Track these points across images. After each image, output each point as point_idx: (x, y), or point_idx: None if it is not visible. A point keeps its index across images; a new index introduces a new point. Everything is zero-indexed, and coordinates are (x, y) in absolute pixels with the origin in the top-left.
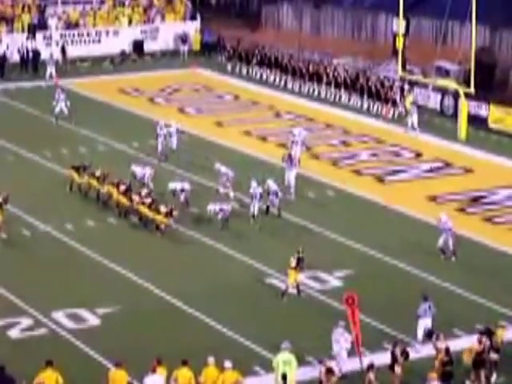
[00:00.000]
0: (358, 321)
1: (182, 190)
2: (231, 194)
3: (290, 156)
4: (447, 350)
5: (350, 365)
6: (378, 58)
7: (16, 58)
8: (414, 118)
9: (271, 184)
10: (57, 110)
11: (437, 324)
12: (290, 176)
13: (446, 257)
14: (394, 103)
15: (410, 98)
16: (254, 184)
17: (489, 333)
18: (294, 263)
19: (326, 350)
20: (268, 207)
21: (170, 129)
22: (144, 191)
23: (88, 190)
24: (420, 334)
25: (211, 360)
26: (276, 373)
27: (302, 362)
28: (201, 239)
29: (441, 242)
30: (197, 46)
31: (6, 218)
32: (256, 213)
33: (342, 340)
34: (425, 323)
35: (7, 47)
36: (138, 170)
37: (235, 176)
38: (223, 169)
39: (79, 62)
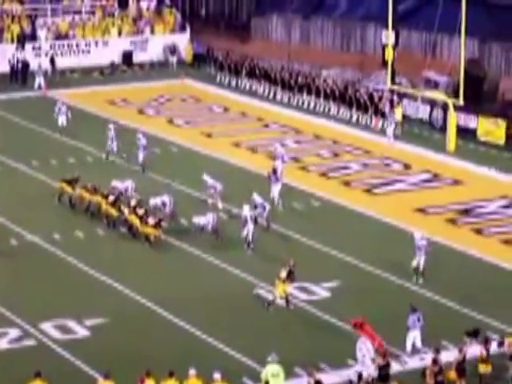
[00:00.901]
0: (374, 333)
1: (164, 204)
2: (220, 206)
3: (273, 171)
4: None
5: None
6: (367, 70)
7: (5, 68)
8: (391, 127)
9: (256, 197)
10: (59, 122)
11: (425, 336)
12: (274, 190)
13: (417, 277)
14: (383, 115)
15: (399, 110)
16: (246, 208)
17: (485, 341)
18: (284, 275)
19: (313, 362)
20: (256, 218)
21: (142, 141)
22: (133, 202)
23: (78, 202)
24: (409, 345)
25: (192, 372)
26: None
27: (290, 374)
28: (189, 250)
29: (415, 262)
30: (189, 58)
31: None
32: (250, 238)
33: (364, 348)
34: (414, 335)
35: None
36: (118, 184)
37: (224, 187)
38: (210, 181)
39: (69, 73)
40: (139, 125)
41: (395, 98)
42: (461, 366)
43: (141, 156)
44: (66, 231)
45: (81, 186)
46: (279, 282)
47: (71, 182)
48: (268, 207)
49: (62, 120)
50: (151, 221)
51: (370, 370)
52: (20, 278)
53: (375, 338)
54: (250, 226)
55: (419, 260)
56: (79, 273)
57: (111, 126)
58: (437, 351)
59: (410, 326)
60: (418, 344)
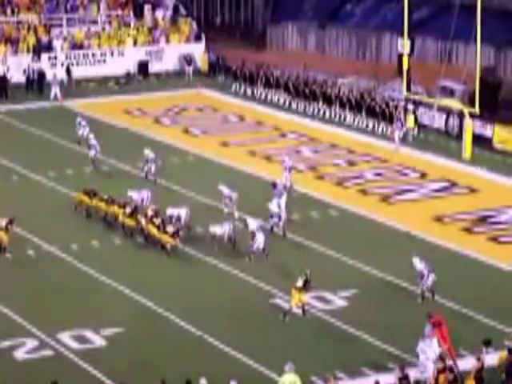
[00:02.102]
0: (448, 336)
1: (179, 218)
2: (236, 215)
3: (273, 184)
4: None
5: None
6: (382, 78)
7: (21, 79)
8: (399, 133)
9: (271, 206)
10: (79, 134)
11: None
12: (281, 202)
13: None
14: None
15: (411, 118)
16: (250, 221)
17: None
18: (300, 284)
19: (330, 370)
20: (272, 227)
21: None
22: (149, 212)
23: (95, 213)
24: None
25: (203, 382)
26: None
27: (306, 383)
28: (206, 259)
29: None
30: (204, 67)
31: (10, 239)
32: (262, 248)
33: (429, 351)
34: None
35: (7, 69)
36: (134, 195)
37: (240, 196)
38: (226, 190)
39: (84, 83)
40: (153, 135)
41: (409, 106)
42: (479, 375)
43: (152, 168)
44: (82, 241)
45: (98, 198)
46: (295, 292)
47: (89, 194)
48: (284, 216)
49: (81, 132)
50: (170, 229)
51: (430, 374)
52: (37, 288)
53: (447, 342)
54: (260, 237)
55: (428, 282)
56: (96, 282)
57: (147, 152)
58: (402, 368)
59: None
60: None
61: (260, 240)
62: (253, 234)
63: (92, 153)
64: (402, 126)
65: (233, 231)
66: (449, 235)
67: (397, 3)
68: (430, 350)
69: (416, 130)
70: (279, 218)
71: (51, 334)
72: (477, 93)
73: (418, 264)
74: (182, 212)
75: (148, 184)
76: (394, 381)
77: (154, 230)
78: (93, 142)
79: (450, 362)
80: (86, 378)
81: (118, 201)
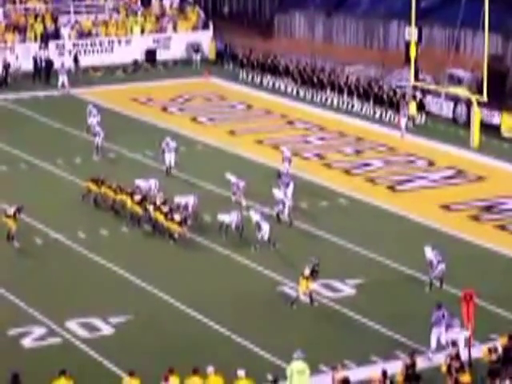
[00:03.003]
0: (472, 316)
1: (186, 207)
2: (243, 203)
3: (279, 175)
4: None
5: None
6: (390, 67)
7: (29, 67)
8: (403, 120)
9: (276, 193)
10: (88, 122)
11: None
12: (287, 191)
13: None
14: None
15: (413, 104)
16: (252, 213)
17: None
18: (307, 272)
19: (338, 358)
20: (278, 215)
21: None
22: (158, 200)
23: (103, 201)
24: (434, 342)
25: (210, 369)
26: (289, 382)
27: (314, 370)
28: (213, 247)
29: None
30: (212, 55)
31: (18, 227)
32: (267, 238)
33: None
34: (439, 331)
35: (16, 57)
36: (141, 183)
37: (248, 184)
38: (233, 178)
39: (92, 71)
40: (166, 125)
41: (409, 92)
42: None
43: (170, 157)
44: (90, 229)
45: (106, 185)
46: (302, 279)
47: (97, 182)
48: (288, 203)
49: (91, 121)
50: (177, 217)
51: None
52: (45, 276)
53: (470, 321)
54: (265, 227)
55: (436, 271)
56: (103, 270)
57: (168, 140)
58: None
59: (434, 322)
60: (443, 341)
61: (265, 229)
62: (258, 225)
63: (96, 139)
64: (405, 113)
65: (241, 220)
66: (456, 223)
67: None
68: (460, 336)
69: (421, 117)
70: (283, 204)
71: (59, 321)
72: (485, 81)
73: (429, 253)
74: (190, 200)
75: (161, 174)
76: (401, 368)
77: (161, 218)
78: (97, 129)
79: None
80: (94, 366)
81: (126, 189)
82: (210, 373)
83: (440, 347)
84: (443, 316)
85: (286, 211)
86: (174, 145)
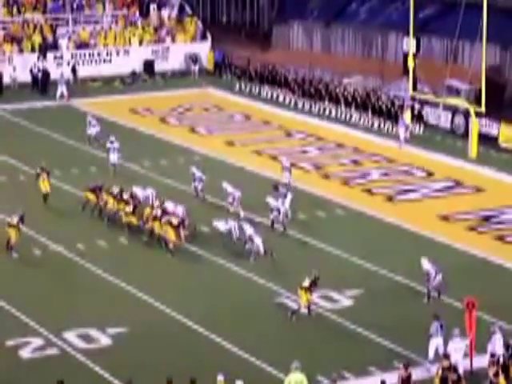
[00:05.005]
0: (474, 325)
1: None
2: (241, 214)
3: (275, 187)
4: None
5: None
6: (388, 77)
7: (27, 78)
8: (401, 131)
9: (271, 201)
10: (88, 132)
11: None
12: (286, 202)
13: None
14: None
15: (408, 114)
16: (247, 227)
17: None
18: (307, 284)
19: (336, 369)
20: (273, 222)
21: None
22: (156, 203)
23: (104, 210)
24: (431, 353)
25: (220, 378)
26: None
27: (312, 382)
28: (211, 258)
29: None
30: (210, 66)
31: (19, 237)
32: (262, 250)
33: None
34: (436, 342)
35: (14, 69)
36: (139, 191)
37: (246, 195)
38: (229, 188)
39: (90, 82)
40: (159, 135)
41: (406, 102)
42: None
43: (114, 157)
44: (89, 240)
45: (106, 191)
46: (302, 292)
47: (95, 190)
48: (283, 209)
49: (91, 132)
50: (174, 221)
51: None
52: (43, 287)
53: (471, 330)
54: (258, 241)
55: (435, 282)
56: (102, 282)
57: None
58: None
59: (432, 333)
60: (441, 351)
61: (258, 243)
62: (251, 239)
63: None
64: (403, 123)
65: (239, 230)
66: (454, 234)
67: (402, 2)
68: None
69: (419, 127)
70: (278, 211)
71: (57, 332)
72: (483, 92)
73: (426, 264)
74: (179, 209)
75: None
76: (397, 379)
77: (157, 225)
78: (93, 122)
79: (454, 360)
80: (91, 377)
81: (124, 198)
82: (220, 381)
83: (438, 358)
84: (441, 327)
85: (281, 218)
86: (200, 174)
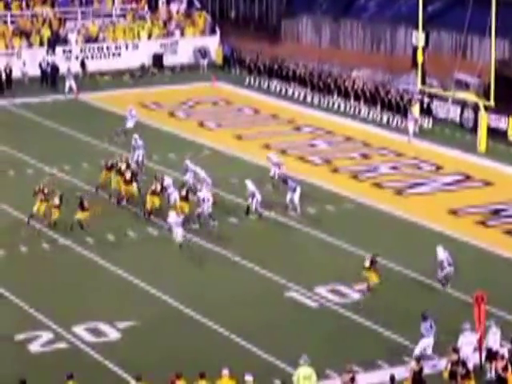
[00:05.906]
0: (484, 319)
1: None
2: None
3: (284, 180)
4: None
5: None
6: (397, 71)
7: (36, 72)
8: (411, 124)
9: (249, 185)
10: (127, 125)
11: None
12: (294, 196)
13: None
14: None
15: (417, 107)
16: (250, 184)
17: None
18: (367, 264)
19: (345, 363)
20: (248, 207)
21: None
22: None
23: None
24: (418, 350)
25: (225, 372)
26: None
27: (321, 376)
28: (219, 252)
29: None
30: (219, 60)
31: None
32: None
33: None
34: (428, 342)
35: (23, 63)
36: (167, 179)
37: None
38: (251, 187)
39: (99, 76)
40: (169, 129)
41: (415, 96)
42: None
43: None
44: (97, 234)
45: (115, 171)
46: (367, 272)
47: (111, 168)
48: (258, 196)
49: (130, 125)
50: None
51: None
52: (52, 281)
53: (480, 324)
54: (259, 197)
55: (444, 272)
56: (111, 275)
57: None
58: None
59: (424, 333)
60: (429, 352)
61: (258, 198)
62: (252, 195)
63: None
64: (412, 117)
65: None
66: (463, 228)
67: None
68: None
69: (428, 121)
70: (252, 197)
71: (66, 326)
72: (492, 86)
73: (441, 253)
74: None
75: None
76: (409, 373)
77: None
78: (133, 112)
79: (464, 354)
80: (101, 371)
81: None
82: (225, 375)
83: (427, 357)
84: (431, 326)
85: (255, 202)
86: (141, 143)
